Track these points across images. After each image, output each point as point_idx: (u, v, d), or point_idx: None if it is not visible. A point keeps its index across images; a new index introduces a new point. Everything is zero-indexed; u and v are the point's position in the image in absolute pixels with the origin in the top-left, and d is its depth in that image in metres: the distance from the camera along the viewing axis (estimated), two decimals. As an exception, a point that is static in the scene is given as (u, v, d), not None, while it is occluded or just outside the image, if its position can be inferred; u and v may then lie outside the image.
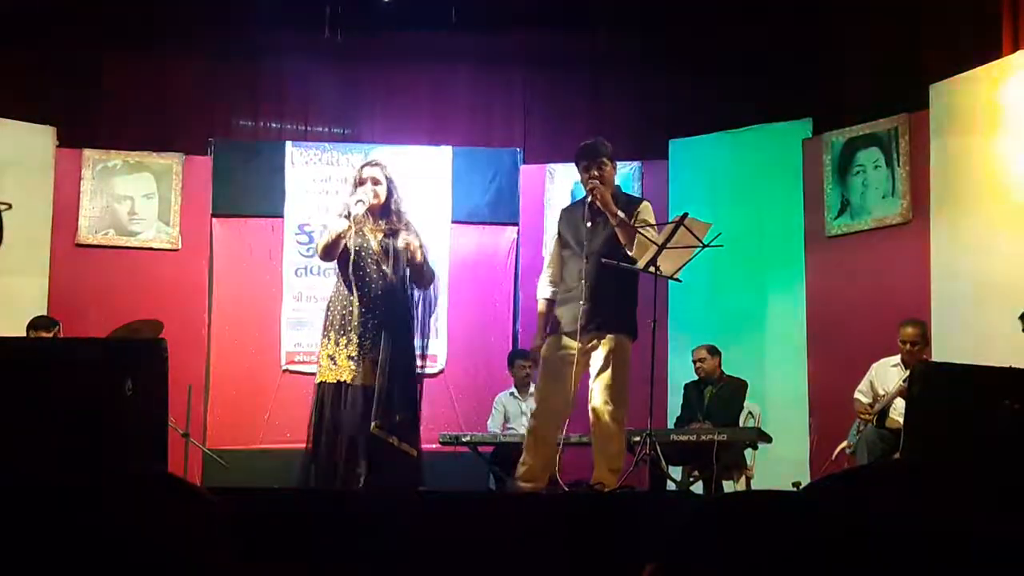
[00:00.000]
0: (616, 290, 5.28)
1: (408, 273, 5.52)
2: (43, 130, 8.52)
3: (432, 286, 5.66)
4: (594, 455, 5.34)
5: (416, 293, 5.60)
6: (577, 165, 5.57)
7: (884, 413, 6.71)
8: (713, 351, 7.62)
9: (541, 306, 5.55)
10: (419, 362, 5.62)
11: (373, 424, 5.25)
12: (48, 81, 8.63)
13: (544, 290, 5.54)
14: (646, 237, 5.33)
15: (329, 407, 5.34)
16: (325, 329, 5.50)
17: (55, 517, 1.39)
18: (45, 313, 7.74)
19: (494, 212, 8.99)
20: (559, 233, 5.57)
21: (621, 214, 5.34)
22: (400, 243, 5.46)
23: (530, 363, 6.16)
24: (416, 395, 5.51)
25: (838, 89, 8.35)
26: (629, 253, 5.37)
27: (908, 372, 6.53)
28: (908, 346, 6.73)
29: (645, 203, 5.63)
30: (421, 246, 5.50)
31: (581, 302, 5.28)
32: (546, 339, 5.47)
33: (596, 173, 5.40)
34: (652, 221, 5.47)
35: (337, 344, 5.38)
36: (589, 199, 5.47)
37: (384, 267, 5.42)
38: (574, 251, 5.42)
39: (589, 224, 5.42)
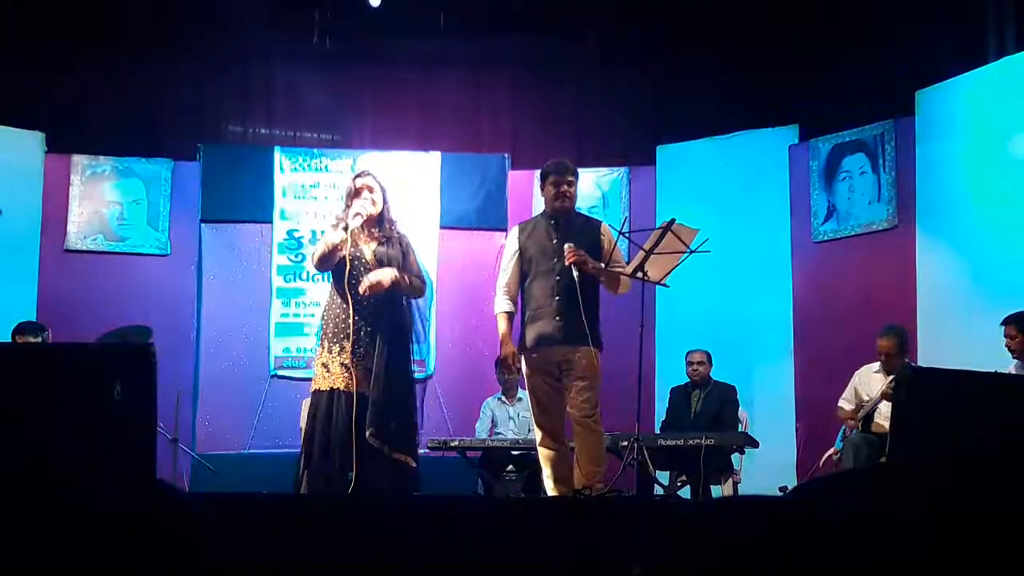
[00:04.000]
0: (585, 305, 5.31)
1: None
2: (32, 135, 8.52)
3: (421, 297, 5.66)
4: (577, 461, 5.37)
5: (410, 301, 5.60)
6: (543, 180, 5.57)
7: (869, 418, 6.73)
8: (710, 357, 7.64)
9: (502, 320, 5.51)
10: (412, 367, 5.62)
11: (368, 433, 5.24)
12: (37, 86, 8.62)
13: (504, 304, 5.52)
14: (620, 272, 5.47)
15: (323, 415, 5.34)
16: (320, 338, 5.51)
17: (44, 521, 1.40)
18: (34, 319, 7.73)
19: (482, 218, 9.00)
20: (520, 250, 5.51)
21: (599, 266, 5.41)
22: (393, 253, 5.46)
23: (515, 370, 6.16)
24: (412, 404, 5.49)
25: (825, 95, 8.38)
26: (613, 293, 5.48)
27: (891, 376, 6.57)
28: (883, 356, 6.76)
29: (603, 224, 5.67)
30: (413, 259, 5.52)
31: (556, 318, 5.32)
32: (523, 358, 5.49)
33: (566, 188, 5.45)
34: (613, 239, 5.56)
35: (330, 352, 5.38)
36: (552, 216, 5.50)
37: (378, 276, 5.42)
38: (541, 268, 5.42)
39: (555, 241, 5.42)
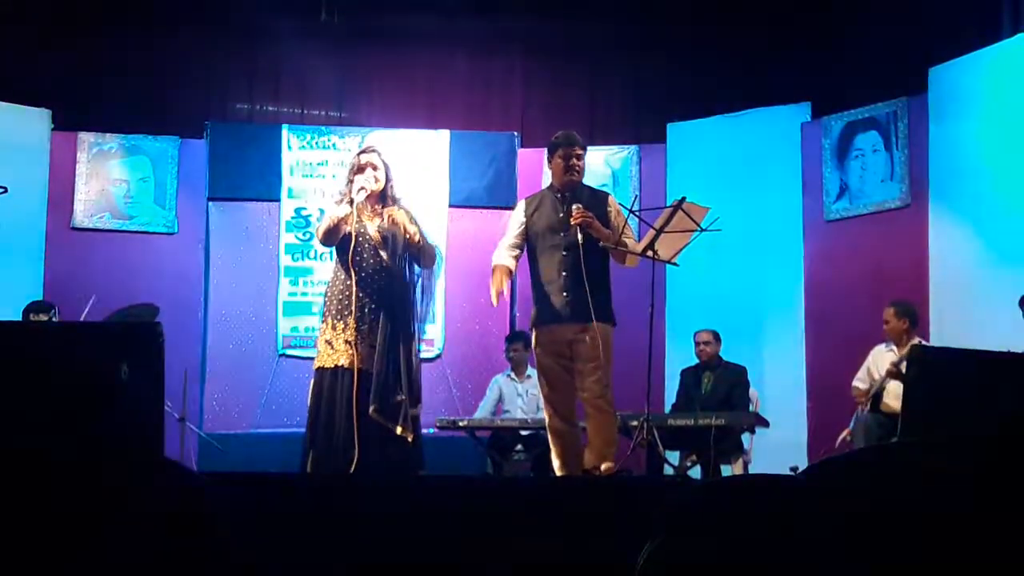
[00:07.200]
0: (596, 280, 5.26)
1: (408, 256, 5.50)
2: (38, 113, 8.49)
3: (434, 266, 5.63)
4: (589, 440, 5.34)
5: (415, 278, 5.58)
6: (551, 153, 5.49)
7: (878, 397, 6.68)
8: (717, 337, 7.60)
9: (499, 271, 5.37)
10: (418, 346, 5.60)
11: (372, 408, 5.23)
12: (43, 63, 8.58)
13: (503, 256, 5.41)
14: (629, 250, 5.40)
15: (327, 392, 5.33)
16: (323, 315, 5.49)
17: (52, 501, 1.37)
18: (41, 297, 7.72)
19: (492, 196, 8.95)
20: (526, 223, 5.43)
21: (607, 232, 5.34)
22: (397, 228, 5.44)
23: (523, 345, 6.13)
24: (416, 380, 5.48)
25: (837, 72, 8.32)
26: (622, 265, 5.43)
27: (900, 355, 6.53)
28: (885, 322, 6.79)
29: (610, 196, 5.62)
30: (419, 228, 5.48)
31: (564, 294, 5.27)
32: (533, 336, 5.46)
33: (575, 161, 5.40)
34: (621, 211, 5.48)
35: (335, 329, 5.36)
36: (560, 189, 5.45)
37: (382, 252, 5.41)
38: (548, 244, 5.36)
39: (562, 215, 5.35)
